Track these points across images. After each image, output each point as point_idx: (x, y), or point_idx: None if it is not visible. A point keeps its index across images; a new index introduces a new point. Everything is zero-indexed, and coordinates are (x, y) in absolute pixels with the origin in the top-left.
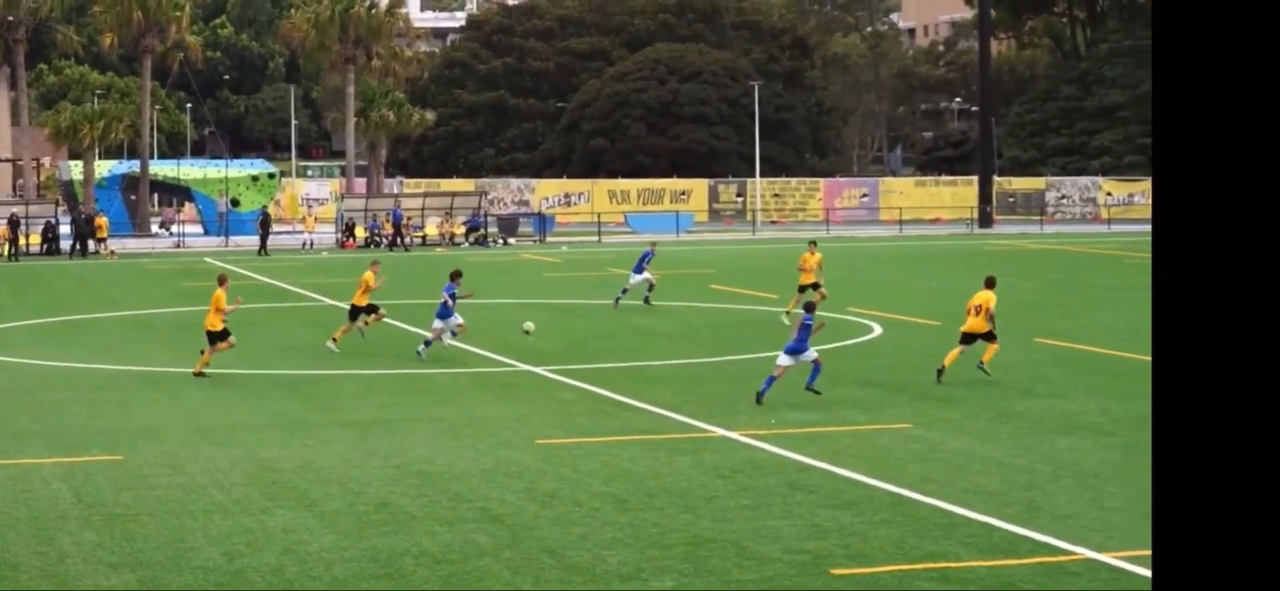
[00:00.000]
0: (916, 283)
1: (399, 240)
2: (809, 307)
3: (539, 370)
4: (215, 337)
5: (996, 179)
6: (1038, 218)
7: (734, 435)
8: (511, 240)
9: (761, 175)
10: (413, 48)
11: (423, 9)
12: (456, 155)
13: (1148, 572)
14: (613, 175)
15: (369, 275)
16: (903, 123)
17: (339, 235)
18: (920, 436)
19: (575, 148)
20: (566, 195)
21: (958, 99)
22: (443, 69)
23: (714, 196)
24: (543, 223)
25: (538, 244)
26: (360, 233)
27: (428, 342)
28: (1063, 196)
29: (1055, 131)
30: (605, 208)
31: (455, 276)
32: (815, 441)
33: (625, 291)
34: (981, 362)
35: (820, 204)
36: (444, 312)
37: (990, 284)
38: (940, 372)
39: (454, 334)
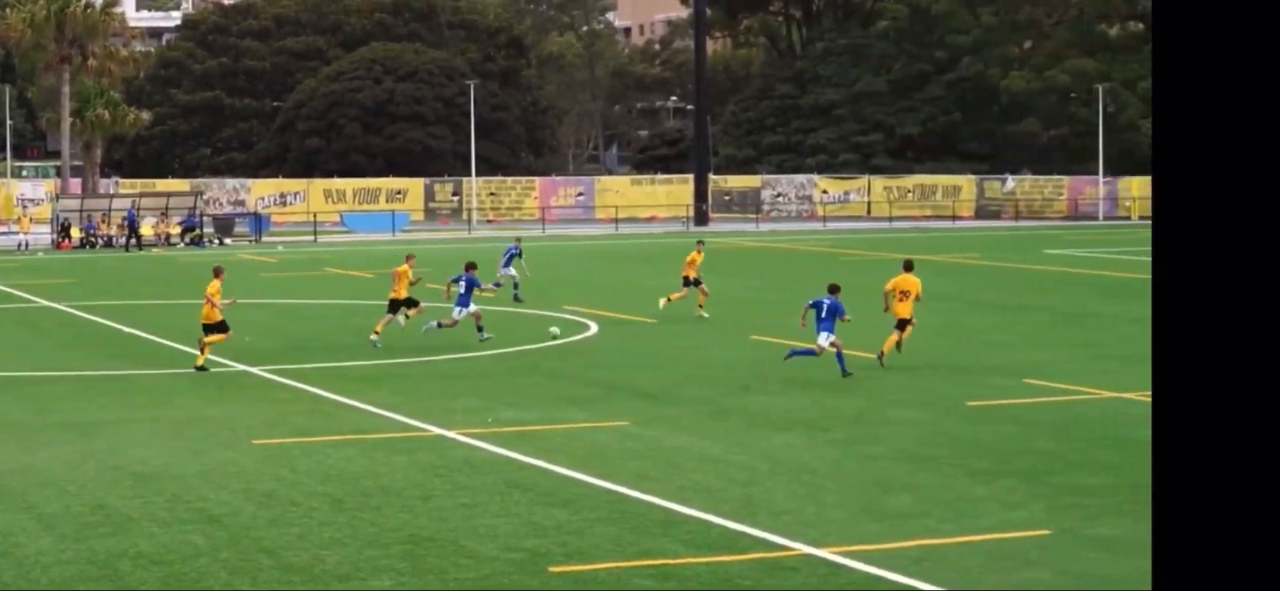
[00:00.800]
0: (632, 281)
1: (131, 240)
2: (833, 289)
3: (256, 370)
4: (212, 329)
5: (712, 177)
6: (753, 215)
7: (451, 434)
8: (227, 240)
9: (477, 174)
10: (128, 47)
11: (138, 8)
12: (172, 155)
13: (863, 567)
14: (329, 175)
15: (405, 268)
16: (618, 121)
17: (54, 236)
18: (638, 434)
19: (291, 147)
20: (282, 195)
21: (673, 97)
22: (158, 69)
23: (430, 195)
24: (258, 222)
25: (254, 244)
26: (76, 233)
27: (439, 324)
28: (778, 194)
29: (771, 130)
30: (321, 207)
31: (470, 267)
32: (533, 439)
33: (498, 285)
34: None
35: (536, 203)
36: (464, 301)
37: (909, 267)
38: (881, 357)
39: (453, 325)
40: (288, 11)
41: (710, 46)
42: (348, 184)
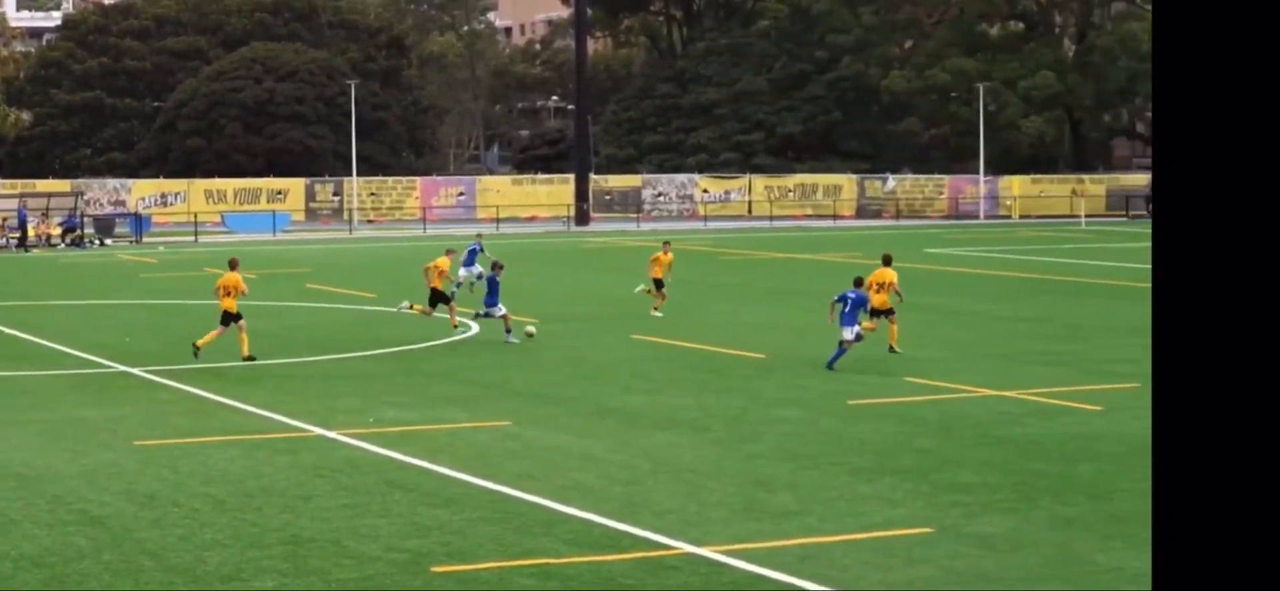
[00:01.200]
0: (514, 280)
1: (23, 242)
2: (858, 283)
3: (136, 371)
4: (231, 319)
5: (593, 176)
6: (634, 215)
7: (332, 434)
8: (108, 241)
9: (358, 174)
10: (9, 47)
11: (19, 8)
12: (53, 155)
13: (745, 565)
14: (209, 175)
15: (443, 260)
16: (499, 121)
17: None
18: (519, 433)
19: (171, 147)
20: (163, 195)
21: (554, 97)
22: (38, 69)
23: (311, 195)
24: (139, 223)
25: (134, 244)
26: None
27: (509, 330)
28: (659, 193)
29: (652, 129)
30: (202, 207)
31: (497, 267)
32: (414, 439)
33: (459, 285)
34: (891, 345)
35: (417, 203)
36: (493, 300)
37: (888, 261)
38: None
39: (480, 319)
40: (168, 11)
41: (591, 46)
42: (228, 184)
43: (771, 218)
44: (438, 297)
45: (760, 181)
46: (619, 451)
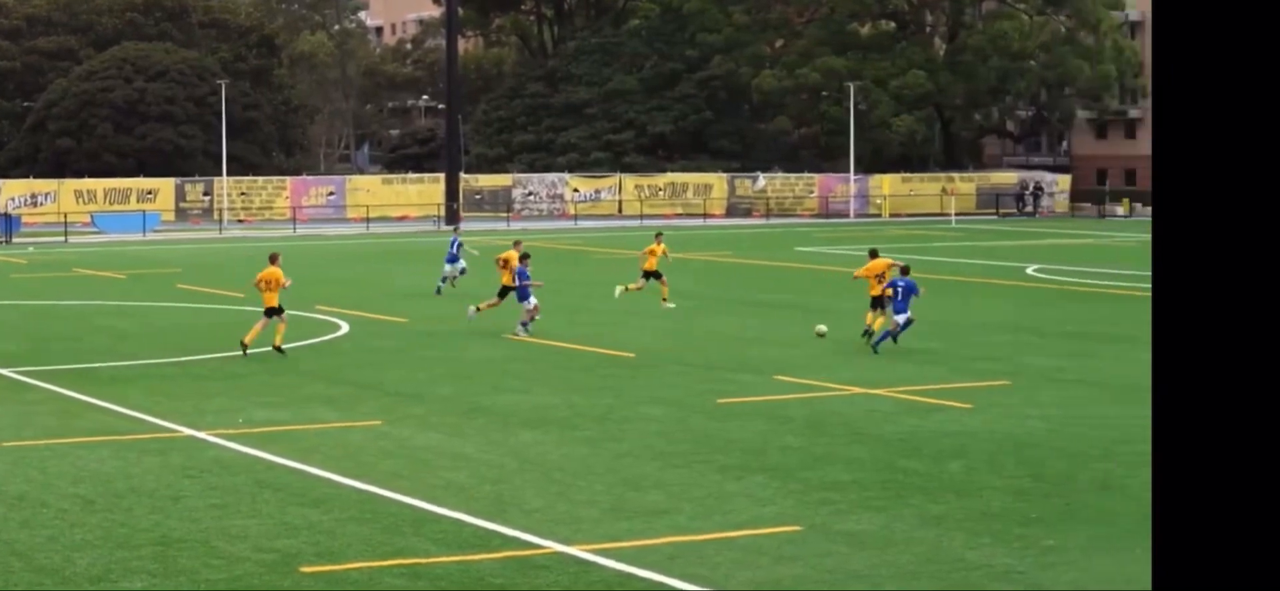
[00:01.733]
0: (383, 280)
1: None
2: (904, 270)
3: (4, 372)
4: (272, 312)
5: (463, 176)
6: (505, 214)
7: (202, 434)
8: None
9: (229, 174)
10: None
11: None
12: None
13: (614, 564)
14: (79, 175)
15: (512, 254)
16: (370, 120)
17: None
18: (389, 433)
19: (41, 148)
20: (33, 195)
21: (425, 96)
22: None
23: (181, 195)
24: (9, 223)
25: (4, 245)
26: None
27: (525, 324)
28: (529, 193)
29: (522, 128)
30: (72, 208)
31: (525, 259)
32: (284, 439)
33: (445, 280)
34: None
35: (287, 202)
36: (524, 294)
37: (875, 254)
38: (868, 334)
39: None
40: (39, 11)
41: (462, 45)
42: (98, 184)
43: (642, 217)
44: (506, 291)
45: (631, 180)
46: (489, 450)
